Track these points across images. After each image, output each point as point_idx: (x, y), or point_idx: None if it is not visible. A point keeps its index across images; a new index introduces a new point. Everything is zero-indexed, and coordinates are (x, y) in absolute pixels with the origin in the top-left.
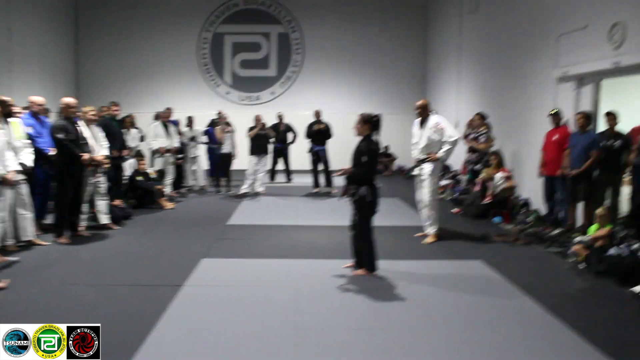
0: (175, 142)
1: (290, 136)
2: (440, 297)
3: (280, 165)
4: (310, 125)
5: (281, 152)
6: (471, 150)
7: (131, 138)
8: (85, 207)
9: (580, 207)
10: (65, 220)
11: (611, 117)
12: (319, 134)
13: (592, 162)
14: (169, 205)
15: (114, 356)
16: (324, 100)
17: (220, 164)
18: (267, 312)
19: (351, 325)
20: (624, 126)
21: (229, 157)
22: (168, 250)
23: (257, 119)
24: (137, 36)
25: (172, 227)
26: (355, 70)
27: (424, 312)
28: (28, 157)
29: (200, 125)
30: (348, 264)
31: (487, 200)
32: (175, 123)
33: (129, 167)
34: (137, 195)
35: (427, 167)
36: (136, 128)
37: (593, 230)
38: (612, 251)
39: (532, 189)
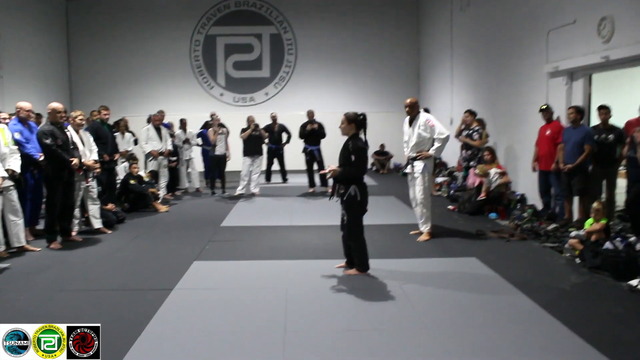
0: (168, 145)
1: (284, 137)
2: (433, 295)
3: (276, 166)
4: (304, 125)
5: (276, 152)
6: (465, 147)
7: (124, 142)
8: (77, 212)
9: (576, 202)
10: (56, 226)
11: (604, 110)
12: (312, 133)
13: (586, 156)
14: (163, 208)
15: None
16: (318, 100)
17: (214, 165)
18: (257, 314)
19: (341, 326)
20: (616, 120)
21: (222, 159)
22: (160, 254)
23: (250, 120)
24: (130, 39)
25: (165, 230)
26: (348, 69)
27: (416, 311)
28: (16, 163)
29: (194, 128)
30: (340, 264)
31: (482, 196)
32: (168, 126)
33: (122, 171)
34: (131, 199)
35: (419, 165)
36: (129, 132)
37: (588, 224)
38: (608, 245)
39: (527, 185)
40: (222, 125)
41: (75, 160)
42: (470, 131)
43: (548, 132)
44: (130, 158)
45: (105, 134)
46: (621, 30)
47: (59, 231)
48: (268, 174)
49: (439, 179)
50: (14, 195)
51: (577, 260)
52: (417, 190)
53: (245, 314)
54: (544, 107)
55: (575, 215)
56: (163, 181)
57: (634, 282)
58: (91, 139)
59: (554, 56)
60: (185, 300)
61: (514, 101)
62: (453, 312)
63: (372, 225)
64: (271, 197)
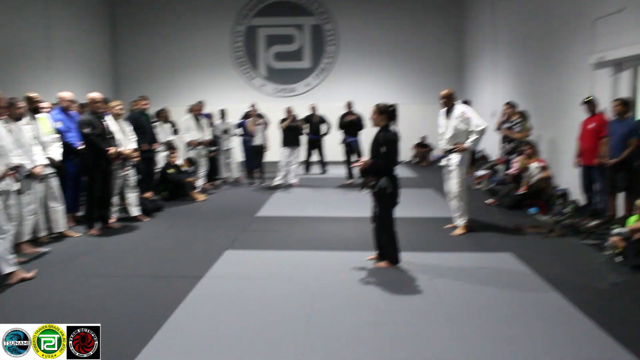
0: (207, 135)
1: (324, 127)
2: (462, 290)
3: (315, 157)
4: (343, 117)
5: (315, 143)
6: (506, 140)
7: (163, 131)
8: (115, 200)
9: (620, 198)
10: (95, 213)
11: None
12: (351, 125)
13: (631, 151)
14: (200, 197)
15: (128, 346)
16: (359, 91)
17: (253, 155)
18: (282, 304)
19: (365, 319)
20: None
21: (261, 149)
22: (193, 242)
23: (289, 111)
24: (173, 30)
25: (200, 219)
26: (389, 61)
27: (443, 305)
28: (56, 152)
29: (235, 119)
30: (371, 257)
31: (522, 190)
32: (208, 116)
33: (163, 160)
34: (169, 188)
35: (455, 158)
36: (170, 122)
37: (632, 221)
38: None
39: (570, 179)
40: (260, 116)
41: (112, 150)
42: (511, 124)
43: (591, 126)
44: (170, 147)
45: (143, 124)
46: None
47: (98, 218)
48: (307, 164)
49: (480, 173)
50: (54, 182)
51: (618, 259)
52: (452, 184)
53: (270, 303)
54: (588, 99)
55: (619, 212)
56: (202, 171)
57: None
58: (130, 128)
59: (599, 46)
60: (213, 288)
61: (558, 93)
62: (481, 308)
63: (407, 218)
64: (309, 188)
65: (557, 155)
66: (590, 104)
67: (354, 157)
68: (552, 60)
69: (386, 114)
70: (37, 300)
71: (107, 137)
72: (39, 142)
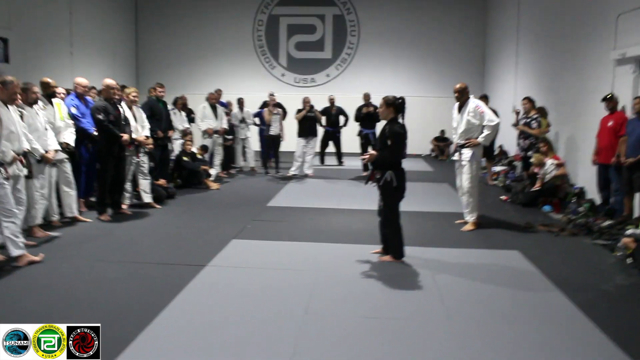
0: (223, 124)
1: (342, 119)
2: (464, 287)
3: (331, 148)
4: (360, 109)
5: (332, 135)
6: (523, 136)
7: (179, 119)
8: (128, 186)
9: (637, 198)
10: (107, 198)
11: None
12: (368, 117)
13: None
14: (214, 185)
15: (122, 334)
16: (380, 82)
17: (269, 145)
18: (281, 295)
19: (362, 313)
20: None
21: (277, 139)
22: (201, 230)
23: (305, 101)
24: (195, 18)
25: (212, 207)
26: (411, 53)
27: (443, 302)
28: (70, 137)
29: (255, 107)
30: (376, 250)
31: (536, 187)
32: (225, 104)
33: (178, 147)
34: (183, 176)
35: (467, 153)
36: (188, 109)
37: None
38: None
39: (587, 178)
40: (278, 106)
41: (125, 136)
42: (529, 119)
43: (610, 123)
44: (185, 135)
45: (160, 111)
46: None
47: (110, 204)
48: (322, 156)
49: (497, 168)
50: (67, 167)
51: (629, 260)
52: (464, 179)
53: (269, 294)
54: (609, 96)
55: (635, 213)
56: (218, 159)
57: None
58: (144, 115)
59: (622, 42)
60: (214, 277)
61: (578, 89)
62: (480, 306)
63: (419, 212)
64: (323, 179)
65: (575, 153)
66: (610, 101)
67: (370, 150)
68: (574, 56)
69: (393, 106)
70: (40, 283)
71: (122, 124)
72: (53, 127)
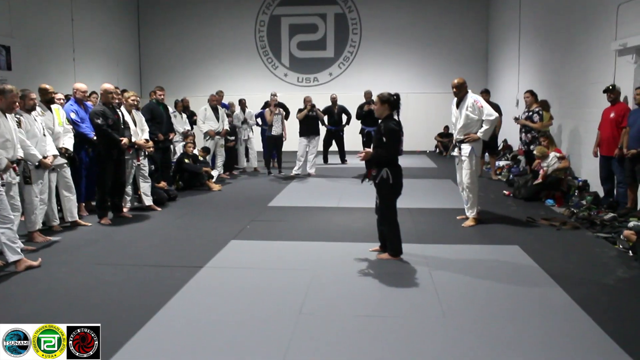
0: (225, 125)
1: (344, 118)
2: (461, 283)
3: (334, 147)
4: (361, 106)
5: (335, 134)
6: (524, 130)
7: (180, 121)
8: (129, 189)
9: None
10: (107, 202)
11: None
12: (369, 114)
13: None
14: (215, 187)
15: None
16: (383, 80)
17: (271, 145)
18: (277, 295)
19: (357, 311)
20: None
21: (279, 139)
22: (201, 232)
23: (306, 101)
24: (197, 21)
25: (212, 208)
26: (414, 50)
27: (440, 299)
28: (69, 142)
29: (257, 107)
30: (374, 248)
31: (538, 180)
32: (226, 106)
33: (180, 150)
34: (185, 178)
35: (466, 148)
36: (190, 111)
37: None
38: None
39: (590, 170)
40: (280, 106)
41: (124, 140)
42: (530, 113)
43: (612, 115)
44: (186, 137)
45: (160, 114)
46: None
47: (111, 207)
48: (325, 155)
49: (500, 163)
50: (67, 172)
51: (630, 253)
52: (464, 174)
53: (266, 294)
54: (610, 87)
55: (639, 205)
56: (220, 161)
57: None
58: (143, 119)
59: (623, 32)
60: (211, 278)
61: (580, 81)
62: (477, 303)
63: (420, 208)
64: (326, 178)
65: (578, 145)
66: (611, 92)
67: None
68: (575, 47)
69: (388, 103)
70: (36, 288)
71: (121, 128)
72: (52, 133)
